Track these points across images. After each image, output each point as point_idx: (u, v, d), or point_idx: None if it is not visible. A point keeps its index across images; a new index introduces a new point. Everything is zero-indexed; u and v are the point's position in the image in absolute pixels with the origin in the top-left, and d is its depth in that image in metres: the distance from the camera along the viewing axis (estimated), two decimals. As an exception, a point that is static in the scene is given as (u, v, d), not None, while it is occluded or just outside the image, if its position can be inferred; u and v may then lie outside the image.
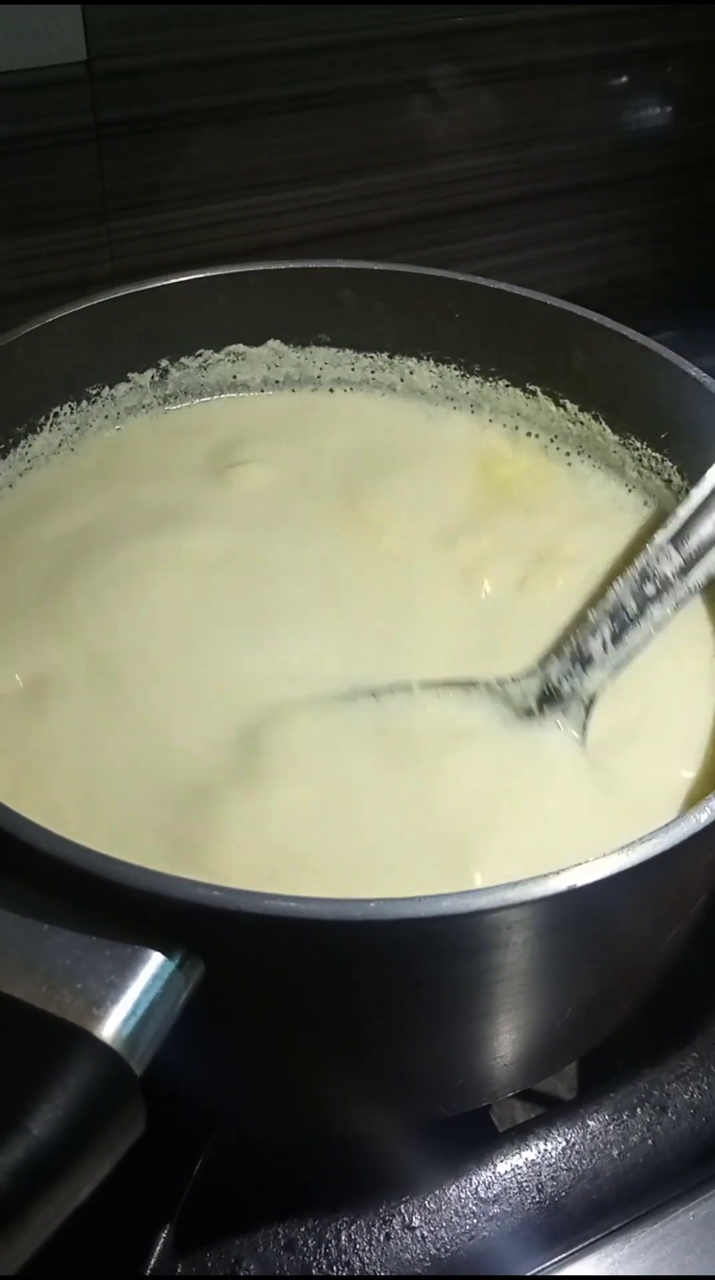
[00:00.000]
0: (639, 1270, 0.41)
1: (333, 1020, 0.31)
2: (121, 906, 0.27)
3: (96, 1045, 0.26)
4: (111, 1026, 0.26)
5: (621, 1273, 0.41)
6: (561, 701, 0.36)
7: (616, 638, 0.37)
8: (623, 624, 0.37)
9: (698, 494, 0.39)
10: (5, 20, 0.54)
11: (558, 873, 0.27)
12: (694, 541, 0.38)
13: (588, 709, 0.36)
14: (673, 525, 0.39)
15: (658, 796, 0.35)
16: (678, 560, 0.38)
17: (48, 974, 0.27)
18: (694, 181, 0.83)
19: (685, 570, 0.38)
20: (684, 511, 0.39)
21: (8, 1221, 0.23)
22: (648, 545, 0.39)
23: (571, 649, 0.38)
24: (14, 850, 0.28)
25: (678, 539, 0.38)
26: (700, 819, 0.28)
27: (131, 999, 0.26)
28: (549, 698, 0.37)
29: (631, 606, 0.37)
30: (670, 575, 0.38)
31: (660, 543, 0.38)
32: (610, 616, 0.38)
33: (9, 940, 0.27)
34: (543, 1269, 0.41)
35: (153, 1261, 0.37)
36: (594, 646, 0.37)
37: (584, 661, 0.37)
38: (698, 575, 0.38)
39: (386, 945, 0.28)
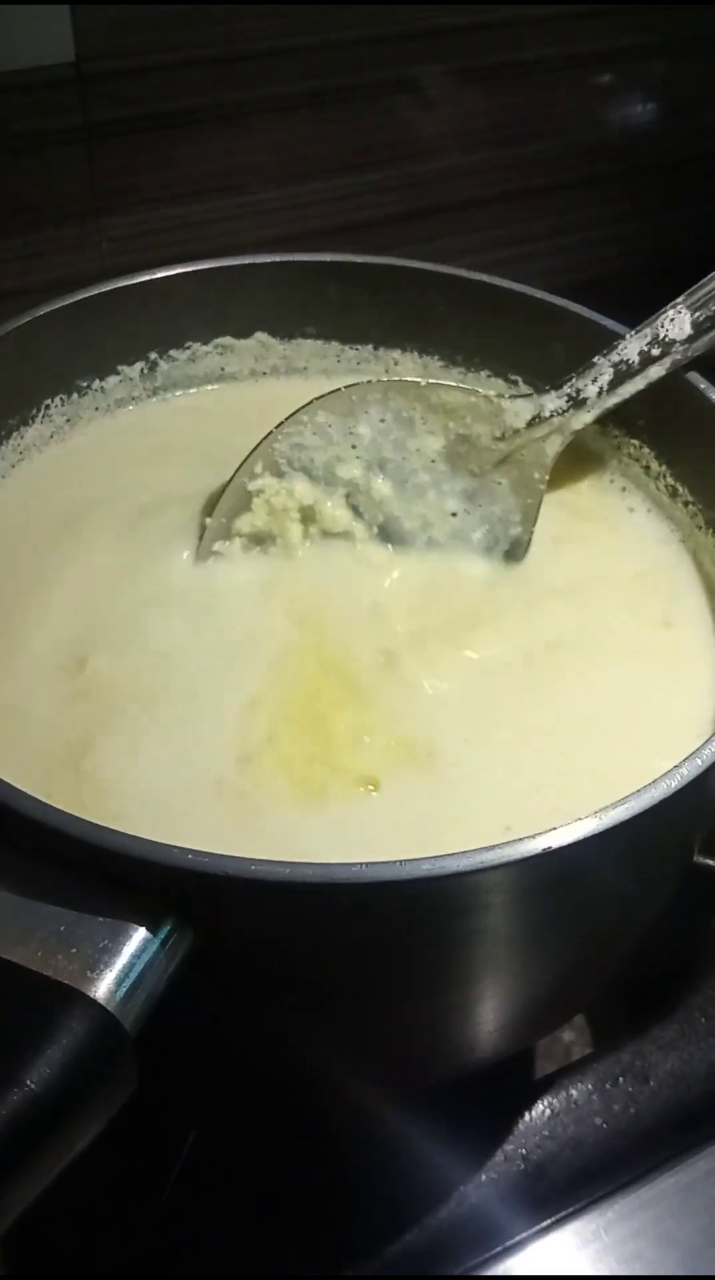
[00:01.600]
0: (622, 1235, 0.42)
1: (317, 986, 0.32)
2: (112, 874, 0.28)
3: (90, 1005, 0.27)
4: (104, 988, 0.27)
5: (605, 1237, 0.42)
6: (544, 427, 0.40)
7: (612, 386, 0.40)
8: (620, 375, 0.40)
9: None
10: (-5, 22, 0.55)
11: (534, 836, 0.28)
12: (705, 314, 0.40)
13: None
14: (694, 293, 0.40)
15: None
16: (687, 328, 0.40)
17: (43, 940, 0.28)
18: (678, 178, 0.84)
19: (691, 339, 0.40)
20: (708, 282, 0.40)
21: (8, 1170, 0.24)
22: (664, 309, 0.40)
23: (571, 388, 0.41)
24: (8, 820, 0.29)
25: (695, 305, 0.40)
26: (671, 784, 0.29)
27: (123, 961, 0.27)
28: (535, 422, 0.41)
29: (634, 361, 0.40)
30: (676, 340, 0.40)
31: (676, 306, 0.40)
32: (612, 366, 0.40)
33: (6, 908, 0.28)
34: (529, 1234, 0.42)
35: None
36: (590, 390, 0.40)
37: (577, 401, 0.41)
38: (699, 345, 0.40)
39: (369, 908, 0.29)
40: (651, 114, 0.80)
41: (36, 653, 0.39)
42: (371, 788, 0.35)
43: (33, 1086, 0.25)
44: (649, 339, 0.40)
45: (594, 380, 0.41)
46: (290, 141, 0.67)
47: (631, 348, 0.41)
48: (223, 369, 0.52)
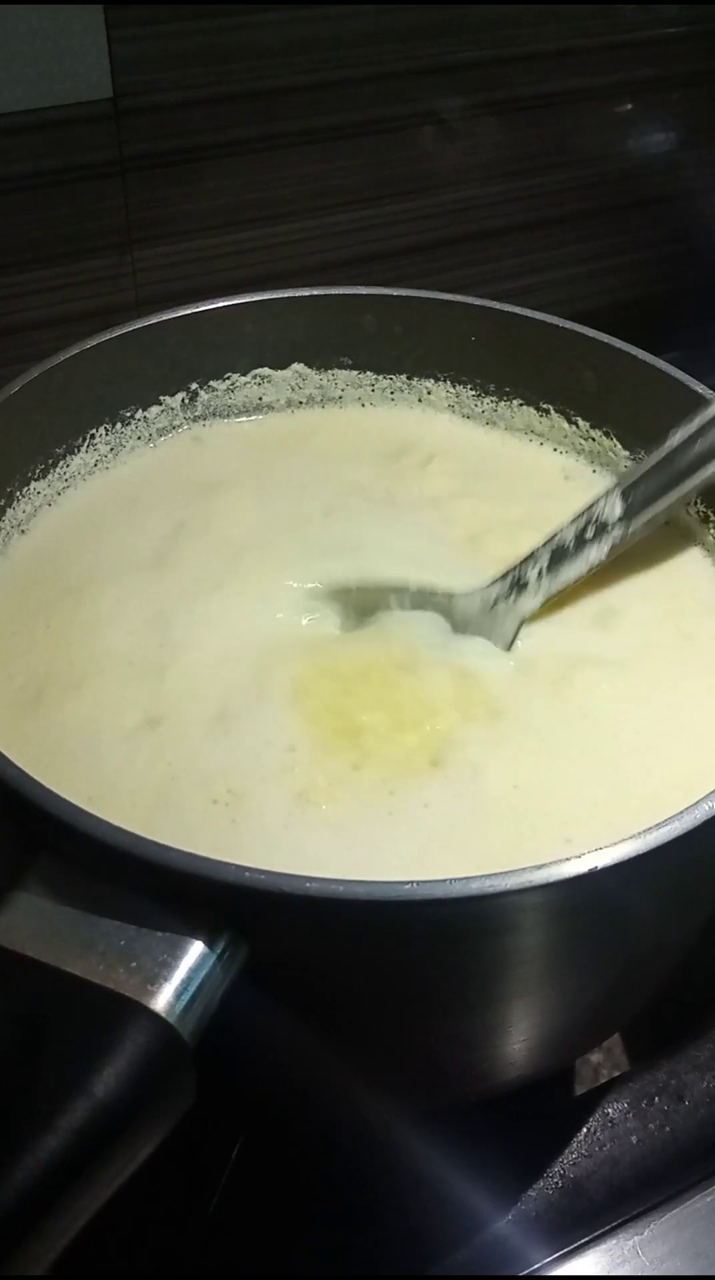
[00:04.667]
0: (659, 1254, 0.43)
1: (366, 1000, 0.33)
2: (170, 890, 0.29)
3: (151, 1017, 0.27)
4: (163, 1000, 0.28)
5: (642, 1255, 0.42)
6: (495, 619, 0.42)
7: (551, 568, 0.42)
8: (558, 558, 0.42)
9: (654, 456, 0.43)
10: (35, 60, 0.57)
11: (580, 856, 0.29)
12: (638, 496, 0.42)
13: (517, 630, 0.42)
14: (626, 478, 0.43)
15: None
16: (620, 509, 0.42)
17: (104, 953, 0.29)
18: (697, 207, 0.85)
19: (623, 519, 0.42)
20: (639, 468, 0.43)
21: (74, 1177, 0.25)
22: (602, 494, 0.43)
23: (512, 575, 0.43)
24: (69, 837, 0.29)
25: (627, 490, 0.42)
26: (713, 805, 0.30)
27: (181, 975, 0.28)
28: (485, 612, 0.42)
29: (570, 543, 0.42)
30: (610, 522, 0.42)
31: (611, 492, 0.43)
32: (550, 551, 0.42)
33: (68, 923, 0.29)
34: (565, 1251, 0.42)
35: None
36: (531, 574, 0.42)
37: (519, 586, 0.42)
38: (635, 525, 0.42)
39: (420, 925, 0.29)
40: (672, 143, 0.81)
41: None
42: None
43: (98, 1096, 0.26)
44: (584, 523, 0.42)
45: (535, 564, 0.43)
46: (317, 174, 0.69)
47: (568, 532, 0.43)
48: (261, 398, 0.53)
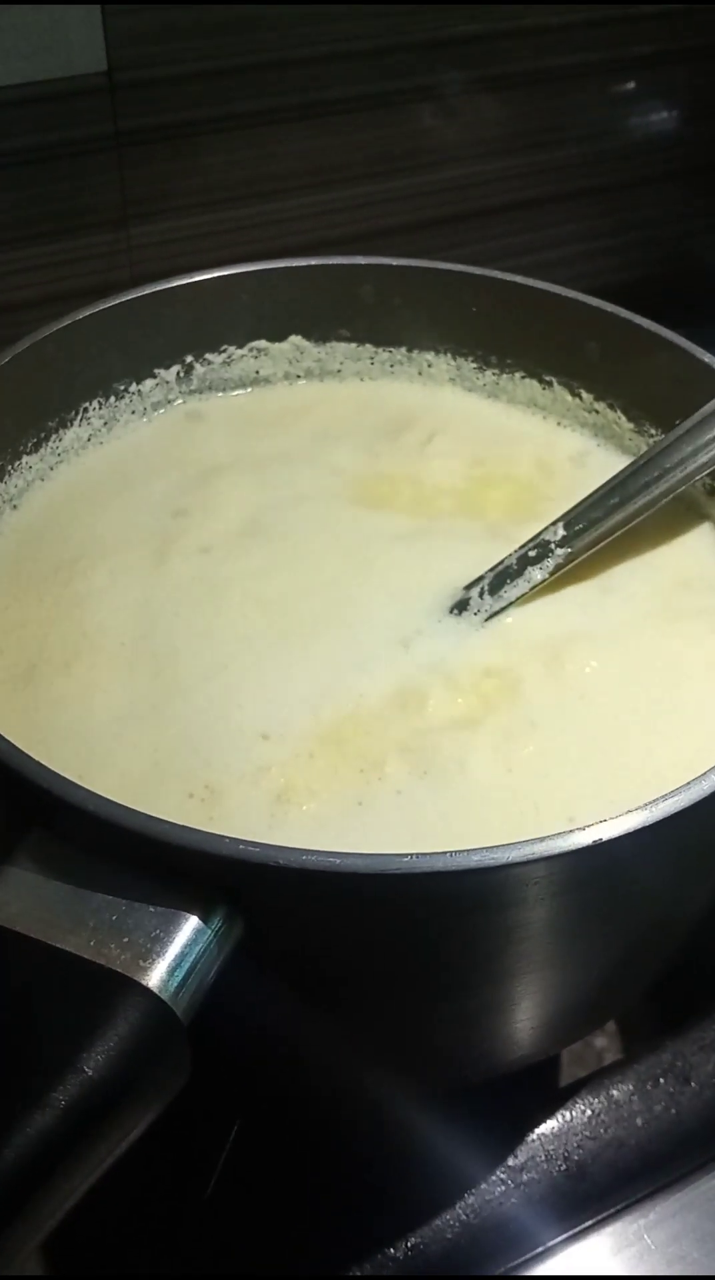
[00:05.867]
0: (664, 1238, 0.42)
1: (364, 976, 0.32)
2: (164, 864, 0.28)
3: (143, 993, 0.27)
4: (157, 976, 0.27)
5: (647, 1238, 0.42)
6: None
7: (494, 589, 0.42)
8: (502, 579, 0.42)
9: (600, 487, 0.43)
10: (28, 33, 0.56)
11: (584, 828, 0.28)
12: (579, 520, 0.43)
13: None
14: (573, 509, 0.43)
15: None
16: (561, 534, 0.42)
17: (96, 929, 0.28)
18: (700, 185, 0.84)
19: (563, 542, 0.42)
20: (584, 496, 0.43)
21: (65, 1156, 0.25)
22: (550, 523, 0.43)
23: (459, 598, 0.42)
24: (59, 811, 0.29)
25: (570, 520, 0.43)
26: (719, 777, 0.29)
27: (175, 951, 0.28)
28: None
29: (513, 565, 0.42)
30: (552, 544, 0.42)
31: (556, 520, 0.43)
32: (496, 572, 0.42)
33: (60, 899, 0.29)
34: (569, 1235, 0.41)
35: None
36: (472, 593, 0.42)
37: (461, 606, 0.42)
38: (578, 544, 0.42)
39: (420, 900, 0.29)
40: (674, 120, 0.80)
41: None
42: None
43: (90, 1073, 0.25)
44: (532, 546, 0.43)
45: (477, 584, 0.42)
46: (316, 149, 0.68)
47: (511, 557, 0.43)
48: (258, 372, 0.52)
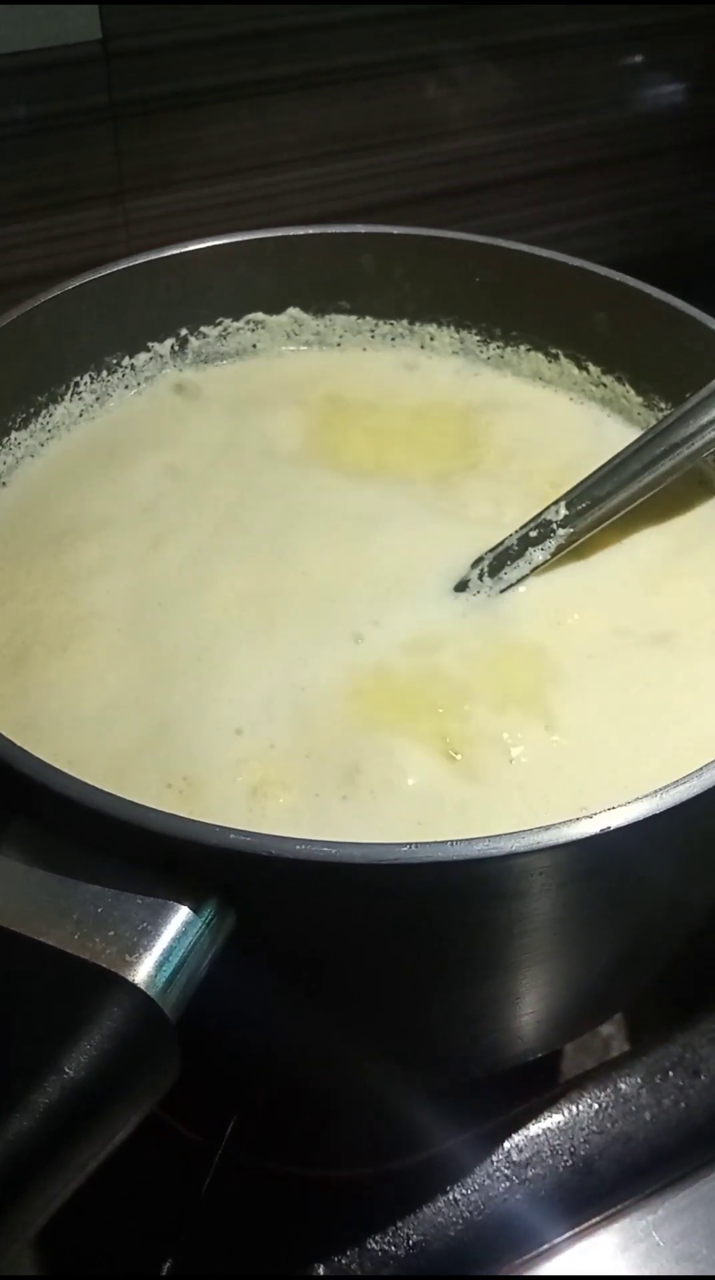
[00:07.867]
0: (673, 1234, 0.41)
1: (360, 970, 0.31)
2: (152, 854, 0.27)
3: (129, 990, 0.26)
4: (143, 972, 0.26)
5: (655, 1235, 0.41)
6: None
7: (494, 570, 0.41)
8: (502, 560, 0.41)
9: (604, 464, 0.42)
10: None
11: (591, 816, 0.27)
12: (582, 499, 0.42)
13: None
14: (576, 487, 0.42)
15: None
16: (563, 513, 0.41)
17: (80, 922, 0.27)
18: (710, 158, 0.82)
19: (565, 522, 0.41)
20: (586, 476, 0.42)
21: (46, 1160, 0.23)
22: (545, 508, 0.42)
23: (462, 577, 0.41)
24: (46, 801, 0.28)
25: (573, 499, 0.42)
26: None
27: (163, 945, 0.26)
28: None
29: (514, 546, 0.41)
30: (554, 524, 0.41)
31: (558, 499, 0.42)
32: (496, 553, 0.41)
33: (42, 889, 0.27)
34: (577, 1231, 0.40)
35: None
36: (472, 574, 0.41)
37: (461, 586, 0.41)
38: (581, 524, 0.41)
39: (421, 891, 0.28)
40: (683, 92, 0.79)
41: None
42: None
43: (70, 1074, 0.24)
44: (533, 526, 0.42)
45: (477, 565, 0.41)
46: (317, 120, 0.67)
47: (512, 538, 0.42)
48: (254, 345, 0.51)
